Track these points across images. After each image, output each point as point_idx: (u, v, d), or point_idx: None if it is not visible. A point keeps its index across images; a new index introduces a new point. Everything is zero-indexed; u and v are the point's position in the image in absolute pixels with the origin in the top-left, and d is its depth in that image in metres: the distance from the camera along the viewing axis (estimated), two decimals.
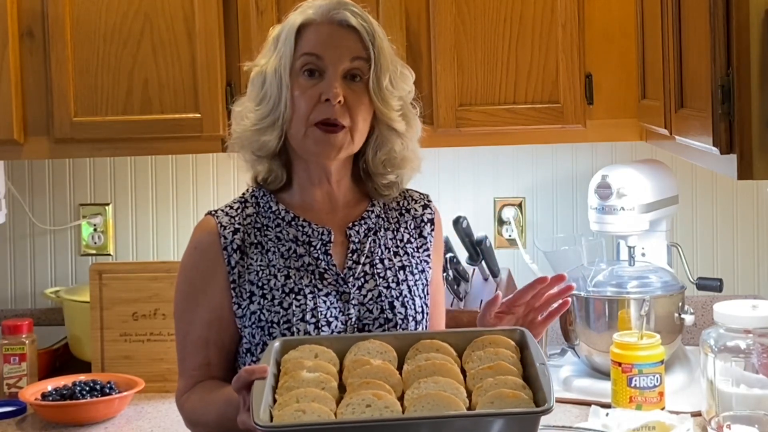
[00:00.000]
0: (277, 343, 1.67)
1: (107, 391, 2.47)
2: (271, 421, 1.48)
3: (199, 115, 2.49)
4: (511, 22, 2.49)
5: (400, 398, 1.56)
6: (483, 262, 2.68)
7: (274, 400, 1.54)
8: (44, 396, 2.45)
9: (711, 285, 2.62)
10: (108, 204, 2.96)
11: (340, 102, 1.76)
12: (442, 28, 2.49)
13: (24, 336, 2.60)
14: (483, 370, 1.60)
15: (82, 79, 2.49)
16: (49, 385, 2.52)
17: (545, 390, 1.51)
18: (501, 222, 2.91)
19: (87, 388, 2.46)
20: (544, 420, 2.32)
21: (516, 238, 2.89)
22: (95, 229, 2.96)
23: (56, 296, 2.85)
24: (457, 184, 2.91)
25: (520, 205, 2.91)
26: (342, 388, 1.59)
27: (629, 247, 2.57)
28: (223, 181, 2.93)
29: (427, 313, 1.88)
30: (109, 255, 2.95)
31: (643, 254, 2.62)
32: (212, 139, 2.51)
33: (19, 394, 2.49)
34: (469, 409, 1.53)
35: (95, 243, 2.96)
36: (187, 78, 2.49)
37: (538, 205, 2.92)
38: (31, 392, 2.48)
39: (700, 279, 2.64)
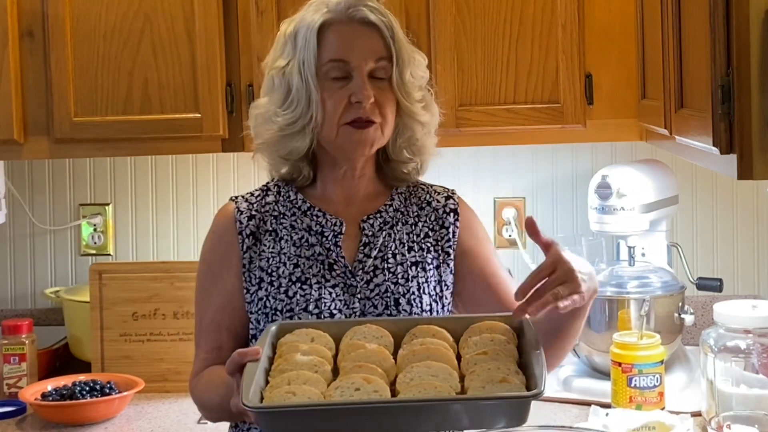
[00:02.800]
0: (273, 327, 1.67)
1: (107, 391, 2.47)
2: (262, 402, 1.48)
3: (199, 115, 2.49)
4: (511, 22, 2.49)
5: (394, 382, 1.56)
6: None
7: (267, 383, 1.54)
8: (44, 396, 2.45)
9: (711, 285, 2.61)
10: (108, 204, 2.96)
11: (371, 102, 1.78)
12: (442, 28, 2.49)
13: (24, 336, 2.60)
14: (477, 356, 1.59)
15: (82, 79, 2.49)
16: (49, 385, 2.52)
17: (537, 375, 1.49)
18: (501, 222, 2.92)
19: (87, 388, 2.45)
20: (544, 420, 2.33)
21: (516, 238, 2.89)
22: (95, 229, 2.96)
23: (56, 296, 2.85)
24: (457, 184, 2.88)
25: (520, 205, 2.91)
26: (336, 372, 1.59)
27: (629, 247, 2.57)
28: (223, 181, 2.93)
29: (438, 312, 1.86)
30: (109, 255, 2.95)
31: (643, 254, 2.62)
32: (212, 139, 2.51)
33: (19, 394, 2.49)
34: (460, 394, 1.52)
35: (95, 243, 2.96)
36: (187, 78, 2.49)
37: (538, 205, 2.92)
38: (31, 392, 2.47)
39: (700, 279, 2.64)
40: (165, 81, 2.49)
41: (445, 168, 2.90)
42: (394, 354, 1.64)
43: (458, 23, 2.49)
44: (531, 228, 1.67)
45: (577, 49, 2.48)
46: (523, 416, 1.47)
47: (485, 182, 2.92)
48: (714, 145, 1.63)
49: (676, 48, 1.99)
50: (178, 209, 2.95)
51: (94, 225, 2.96)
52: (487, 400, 1.48)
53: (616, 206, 2.52)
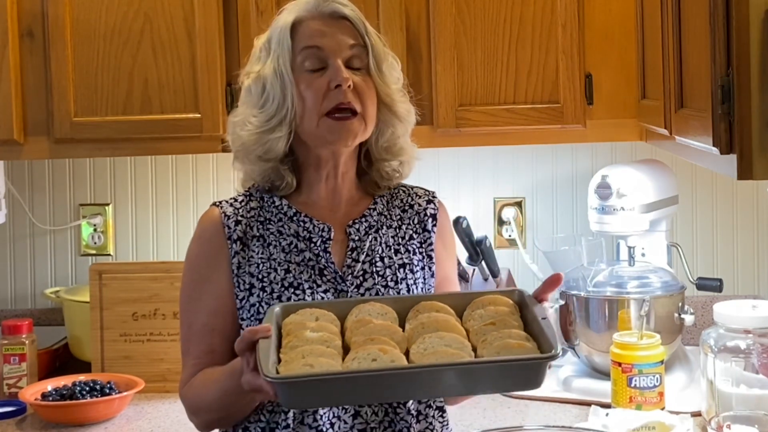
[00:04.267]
0: (277, 308, 1.67)
1: (107, 391, 2.47)
2: None
3: (199, 115, 2.50)
4: (511, 22, 2.49)
5: (405, 354, 1.56)
6: (483, 262, 2.68)
7: (278, 360, 1.53)
8: (44, 396, 2.45)
9: (711, 285, 2.61)
10: (108, 204, 2.96)
11: (350, 86, 1.77)
12: (442, 28, 2.49)
13: (24, 336, 2.60)
14: (486, 326, 1.61)
15: (82, 79, 2.49)
16: (49, 385, 2.52)
17: (550, 339, 1.53)
18: (501, 222, 2.92)
19: (87, 388, 2.45)
20: (544, 420, 2.33)
21: (516, 238, 2.89)
22: (95, 229, 2.96)
23: (56, 296, 2.85)
24: (457, 184, 2.91)
25: (520, 205, 2.91)
26: (346, 349, 1.59)
27: (629, 247, 2.57)
28: (223, 181, 2.93)
29: None
30: (109, 255, 2.95)
31: (643, 254, 2.62)
32: (212, 139, 2.51)
33: (19, 394, 2.49)
34: None
35: (95, 243, 2.96)
36: (187, 78, 2.49)
37: (538, 205, 2.92)
38: (31, 392, 2.47)
39: (700, 279, 2.64)
40: (165, 81, 2.49)
41: (445, 168, 2.90)
42: None
43: (458, 23, 2.49)
44: (555, 284, 1.71)
45: (577, 49, 2.48)
46: (540, 379, 1.52)
47: (485, 182, 2.92)
48: (714, 145, 1.63)
49: (676, 48, 1.99)
50: (178, 209, 2.95)
51: (94, 225, 2.96)
52: (512, 362, 1.50)
53: (616, 206, 2.52)
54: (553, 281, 1.69)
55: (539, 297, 1.68)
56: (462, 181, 2.91)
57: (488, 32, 2.50)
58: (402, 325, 1.66)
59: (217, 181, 2.94)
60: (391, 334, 1.59)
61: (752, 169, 1.54)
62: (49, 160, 2.93)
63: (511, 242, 2.90)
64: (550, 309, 1.69)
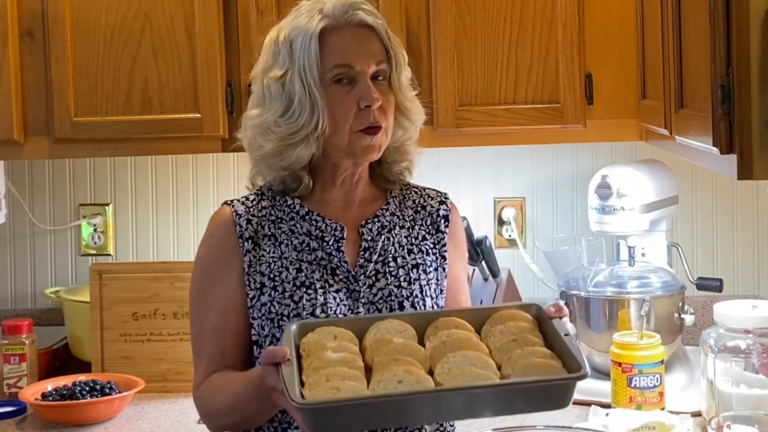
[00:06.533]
0: (293, 327, 1.64)
1: (107, 391, 2.47)
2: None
3: (199, 115, 2.49)
4: (511, 22, 2.49)
5: (429, 374, 1.55)
6: (483, 263, 2.68)
7: (301, 382, 1.52)
8: (44, 396, 2.45)
9: (711, 285, 2.61)
10: (108, 204, 2.96)
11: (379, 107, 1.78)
12: (442, 28, 2.49)
13: (24, 336, 2.60)
14: (508, 343, 1.60)
15: (82, 79, 2.49)
16: (49, 385, 2.52)
17: (577, 357, 1.52)
18: (501, 222, 2.92)
19: (87, 388, 2.45)
20: (544, 420, 2.33)
21: (516, 238, 2.89)
22: (95, 229, 2.96)
23: (56, 296, 2.85)
24: (457, 184, 2.91)
25: (520, 206, 2.91)
26: (367, 368, 1.58)
27: (629, 247, 2.57)
28: (223, 181, 2.93)
29: None
30: (109, 255, 2.95)
31: (643, 254, 2.62)
32: (212, 139, 2.51)
33: (19, 394, 2.49)
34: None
35: (95, 243, 2.96)
36: (187, 78, 2.49)
37: (538, 205, 2.92)
38: (31, 392, 2.47)
39: (700, 279, 2.64)
40: (165, 81, 2.49)
41: (445, 168, 2.90)
42: None
43: (458, 23, 2.49)
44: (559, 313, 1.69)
45: (577, 49, 2.49)
46: (569, 399, 1.53)
47: (485, 182, 2.92)
48: (714, 145, 1.63)
49: (676, 48, 1.99)
50: (178, 209, 2.95)
51: (94, 225, 2.96)
52: (542, 383, 1.50)
53: (616, 206, 2.52)
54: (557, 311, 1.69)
55: (554, 315, 1.67)
56: (462, 181, 2.91)
57: (488, 32, 2.50)
58: (421, 342, 1.64)
59: (217, 181, 2.94)
60: (413, 353, 1.58)
61: (752, 169, 1.54)
62: (49, 160, 2.93)
63: (511, 242, 2.91)
64: (569, 325, 1.67)
